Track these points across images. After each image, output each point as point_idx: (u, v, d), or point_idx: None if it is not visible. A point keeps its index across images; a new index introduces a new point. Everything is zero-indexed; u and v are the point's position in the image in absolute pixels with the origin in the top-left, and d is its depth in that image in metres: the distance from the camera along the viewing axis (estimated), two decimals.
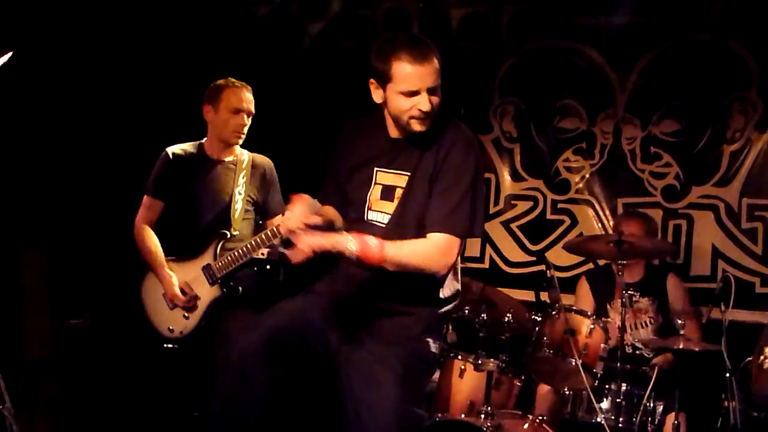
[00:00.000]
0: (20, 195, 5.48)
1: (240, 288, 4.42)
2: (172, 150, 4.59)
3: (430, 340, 3.24)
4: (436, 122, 3.18)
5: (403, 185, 3.19)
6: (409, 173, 3.19)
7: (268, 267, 4.68)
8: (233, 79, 4.56)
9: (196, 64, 5.67)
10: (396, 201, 3.20)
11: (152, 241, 4.54)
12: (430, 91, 3.10)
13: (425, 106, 3.09)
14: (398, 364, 3.12)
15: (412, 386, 3.17)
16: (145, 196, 4.60)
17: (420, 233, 3.15)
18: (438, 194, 3.13)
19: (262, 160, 4.64)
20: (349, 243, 2.98)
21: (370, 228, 3.18)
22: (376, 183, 3.25)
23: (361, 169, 3.29)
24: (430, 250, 3.10)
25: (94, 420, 5.52)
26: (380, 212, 3.23)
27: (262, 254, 4.45)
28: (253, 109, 4.53)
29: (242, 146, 4.62)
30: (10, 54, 3.27)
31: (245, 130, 4.52)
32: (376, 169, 3.25)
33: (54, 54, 5.35)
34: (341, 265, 3.31)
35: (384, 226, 3.20)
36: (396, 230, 3.16)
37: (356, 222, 3.26)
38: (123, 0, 5.78)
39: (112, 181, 5.90)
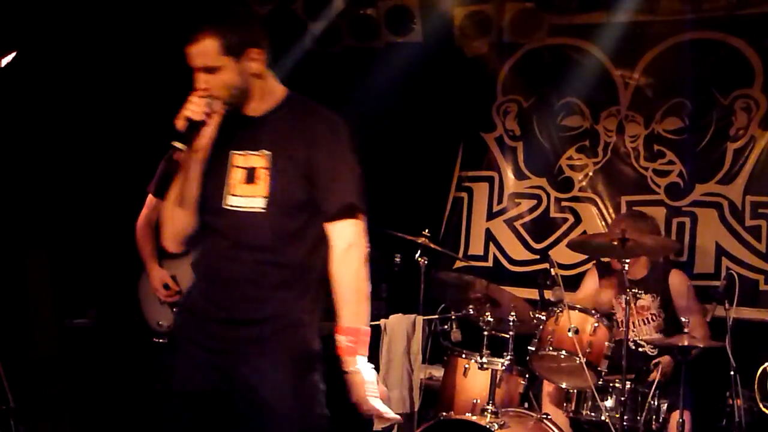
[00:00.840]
0: (23, 195, 5.49)
1: None
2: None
3: (311, 337, 2.98)
4: (291, 102, 3.06)
5: (266, 165, 2.96)
6: (270, 152, 2.96)
7: None
8: None
9: None
10: (262, 182, 2.95)
11: (146, 239, 4.61)
12: (203, 70, 2.97)
13: (197, 85, 2.98)
14: (287, 383, 2.88)
15: (308, 397, 2.94)
16: (149, 196, 4.64)
17: (296, 214, 2.94)
18: (331, 179, 2.93)
19: None
20: (363, 368, 2.90)
21: (233, 215, 2.96)
22: (234, 166, 3.00)
23: (215, 155, 3.04)
24: (354, 248, 2.92)
25: (98, 420, 5.52)
26: (246, 197, 2.96)
27: None
28: None
29: None
30: (13, 54, 3.27)
31: None
32: (231, 152, 3.02)
33: (57, 54, 5.35)
34: (192, 292, 3.09)
35: (253, 210, 2.93)
36: (275, 211, 2.92)
37: (211, 212, 3.01)
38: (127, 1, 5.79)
39: (117, 180, 5.90)
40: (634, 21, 6.21)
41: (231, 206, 2.97)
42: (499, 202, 6.75)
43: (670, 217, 6.14)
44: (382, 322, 5.33)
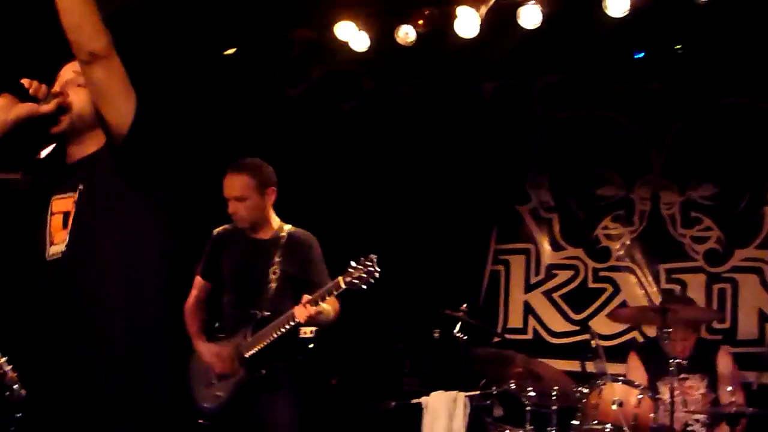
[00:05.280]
0: None
1: (263, 371, 4.33)
2: (217, 231, 4.65)
3: None
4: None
5: (71, 207, 2.74)
6: (74, 193, 2.74)
7: (310, 346, 4.66)
8: (237, 163, 4.49)
9: (235, 144, 5.72)
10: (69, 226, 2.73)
11: (193, 318, 4.61)
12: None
13: None
14: None
15: None
16: (196, 277, 4.67)
17: (100, 259, 2.67)
18: None
19: (302, 236, 4.57)
20: None
21: (51, 266, 2.70)
22: (53, 213, 2.78)
23: (41, 205, 2.83)
24: None
25: None
26: (60, 243, 2.71)
27: (309, 333, 4.46)
28: (238, 194, 4.42)
29: (288, 221, 4.62)
30: (53, 145, 3.33)
31: (239, 216, 4.44)
32: (52, 198, 2.80)
33: None
34: None
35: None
36: (73, 259, 2.67)
37: (35, 266, 2.75)
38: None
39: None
40: (663, 89, 6.24)
41: (51, 257, 2.79)
42: (537, 273, 6.73)
43: (710, 283, 6.08)
44: (423, 399, 5.28)
